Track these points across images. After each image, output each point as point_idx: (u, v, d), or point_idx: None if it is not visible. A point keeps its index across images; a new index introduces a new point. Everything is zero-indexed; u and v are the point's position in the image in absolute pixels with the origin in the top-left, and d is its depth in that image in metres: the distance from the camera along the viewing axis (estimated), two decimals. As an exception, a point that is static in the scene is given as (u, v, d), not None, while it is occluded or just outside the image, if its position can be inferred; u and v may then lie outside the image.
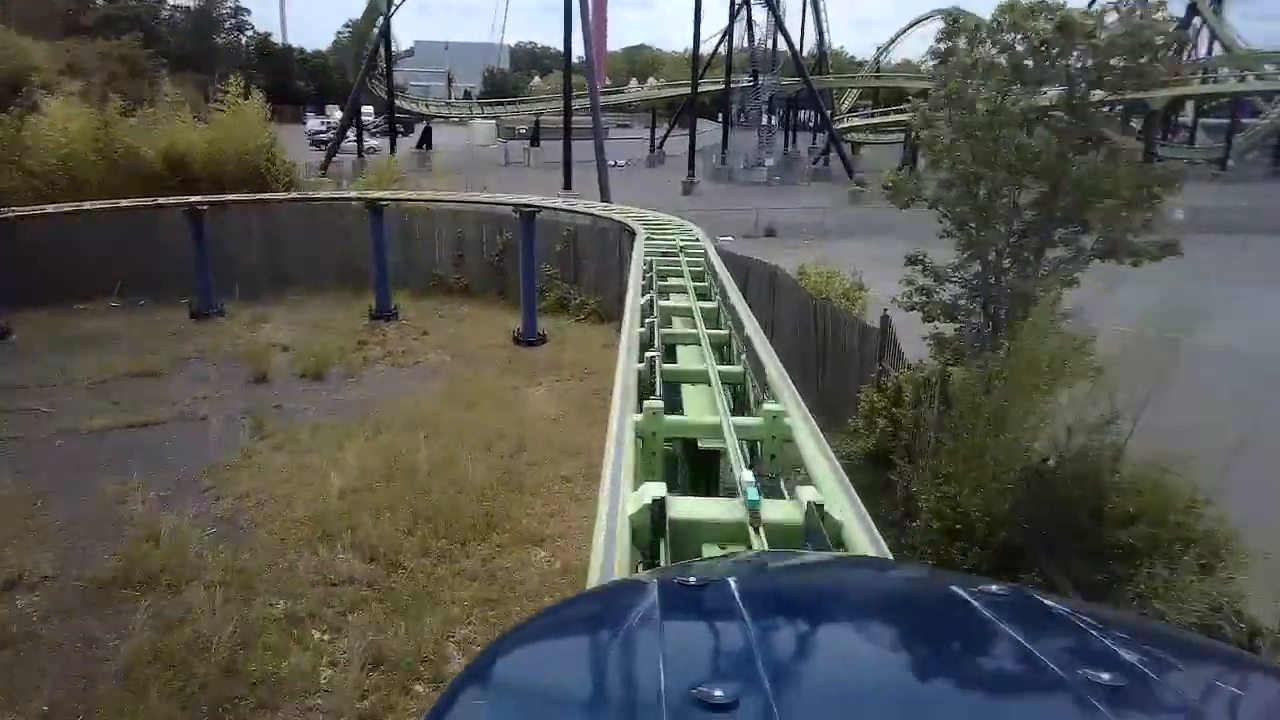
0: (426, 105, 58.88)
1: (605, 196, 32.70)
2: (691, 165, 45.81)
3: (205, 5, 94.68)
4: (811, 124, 65.04)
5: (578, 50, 36.51)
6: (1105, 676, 0.80)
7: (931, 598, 1.11)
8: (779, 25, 48.84)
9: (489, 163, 61.07)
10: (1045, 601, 1.02)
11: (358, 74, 47.80)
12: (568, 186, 37.48)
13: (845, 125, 56.44)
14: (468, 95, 78.83)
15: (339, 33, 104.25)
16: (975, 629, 0.96)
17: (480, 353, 15.99)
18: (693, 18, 47.14)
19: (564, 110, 37.01)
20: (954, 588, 1.04)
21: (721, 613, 0.99)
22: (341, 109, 78.82)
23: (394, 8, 44.87)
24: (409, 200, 17.33)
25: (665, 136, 65.23)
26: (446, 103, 63.56)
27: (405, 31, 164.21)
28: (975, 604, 0.98)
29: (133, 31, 74.26)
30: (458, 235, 19.90)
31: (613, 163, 55.95)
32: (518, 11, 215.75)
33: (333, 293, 19.42)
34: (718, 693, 0.78)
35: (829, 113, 61.43)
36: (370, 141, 66.07)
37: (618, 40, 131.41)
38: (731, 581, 1.06)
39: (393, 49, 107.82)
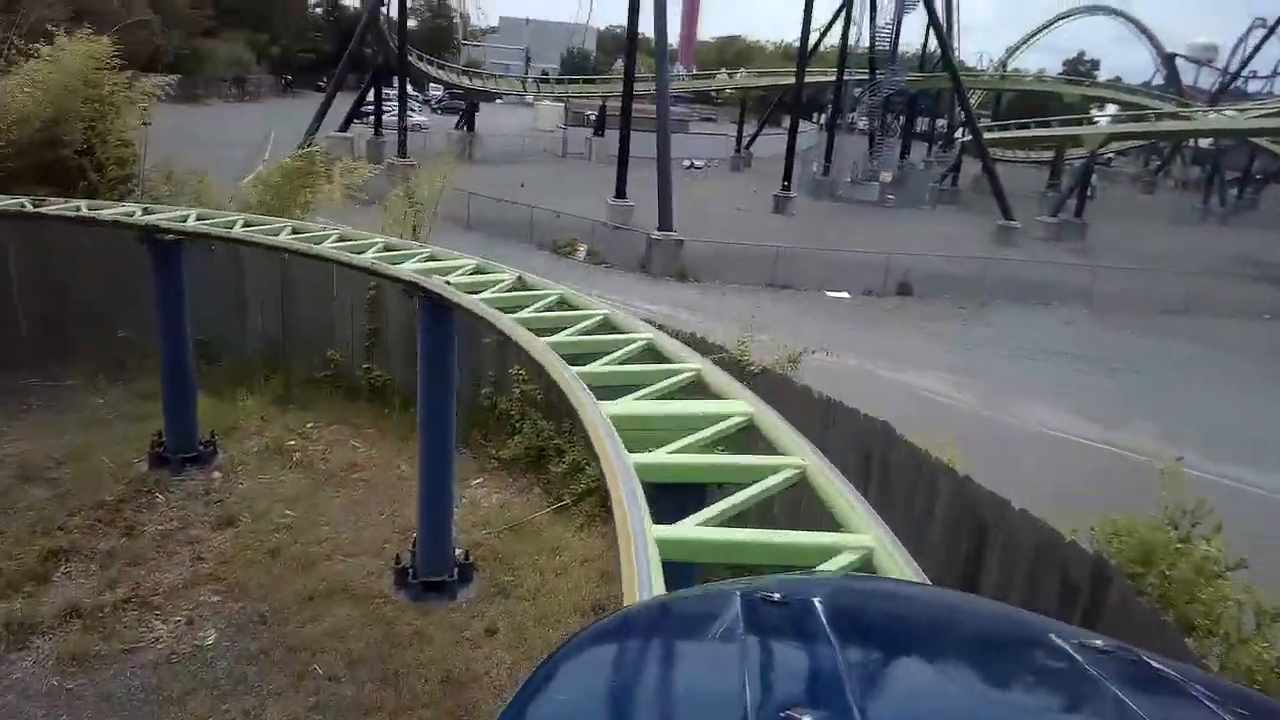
0: (472, 79, 49.98)
1: (664, 215, 23.18)
2: (788, 175, 35.94)
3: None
4: (931, 132, 54.18)
5: (662, 35, 26.90)
6: None
7: (1028, 643, 1.02)
8: (929, 7, 38.24)
9: (544, 152, 52.18)
10: (1153, 663, 0.93)
11: (379, 31, 38.87)
12: (620, 194, 28.08)
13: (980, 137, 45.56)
14: (544, 76, 70.24)
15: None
16: (1074, 682, 0.89)
17: (324, 618, 6.89)
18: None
19: (624, 94, 27.53)
20: (1053, 635, 0.97)
21: (807, 633, 0.95)
22: (413, 84, 71.82)
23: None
24: (211, 233, 8.13)
25: (755, 136, 55.32)
26: (494, 77, 54.58)
27: (493, 5, 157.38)
28: (1076, 656, 0.91)
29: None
30: (369, 298, 10.81)
31: (688, 163, 46.51)
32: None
33: (132, 377, 10.64)
34: (807, 718, 0.74)
35: (954, 120, 50.87)
36: (416, 118, 58.00)
37: (710, 30, 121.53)
38: (817, 602, 1.01)
39: (476, 23, 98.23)
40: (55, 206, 8.79)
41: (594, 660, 0.98)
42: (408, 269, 6.63)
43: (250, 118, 48.32)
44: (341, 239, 7.76)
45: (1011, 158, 53.72)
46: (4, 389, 10.34)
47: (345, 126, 39.52)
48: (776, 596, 1.02)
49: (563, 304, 5.64)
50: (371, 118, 41.55)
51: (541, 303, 5.53)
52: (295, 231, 8.13)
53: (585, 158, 49.78)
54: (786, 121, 62.87)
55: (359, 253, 7.14)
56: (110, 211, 8.54)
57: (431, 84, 60.70)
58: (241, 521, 8.12)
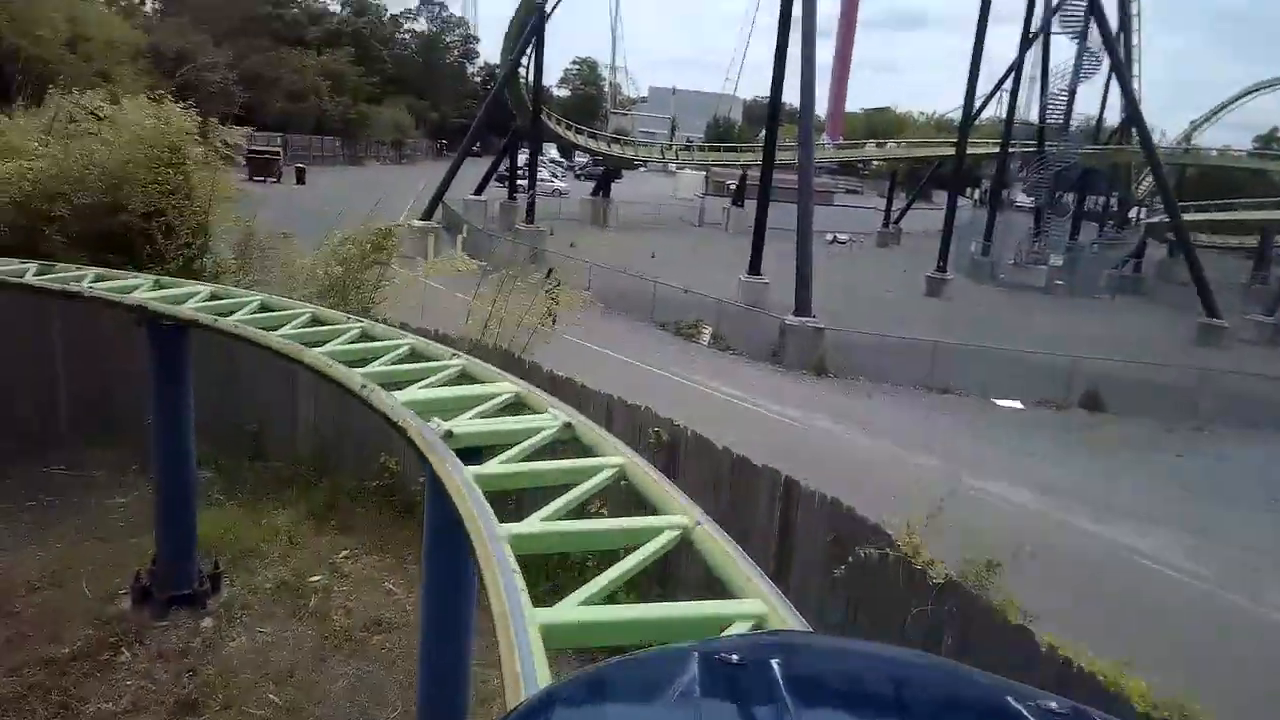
0: (610, 145, 49.41)
1: (803, 298, 20.60)
2: (944, 254, 32.60)
3: (437, 30, 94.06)
4: (1103, 212, 49.12)
5: (810, 105, 24.75)
6: None
7: (983, 708, 1.01)
8: (1116, 67, 34.37)
9: (680, 221, 50.80)
10: None
11: (519, 95, 38.66)
12: (754, 270, 25.73)
13: (1164, 219, 40.48)
14: (688, 144, 69.81)
15: (566, 69, 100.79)
16: None
17: None
18: (971, 48, 34.00)
19: (763, 161, 25.41)
20: (1009, 698, 0.97)
21: (763, 695, 0.94)
22: (559, 149, 73.07)
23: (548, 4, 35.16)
24: (198, 320, 6.35)
25: (905, 210, 52.00)
26: (633, 143, 53.94)
27: (644, 75, 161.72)
28: (1031, 718, 0.91)
29: (346, 48, 73.21)
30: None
31: (831, 237, 43.72)
32: (759, 68, 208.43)
33: (139, 480, 9.03)
34: None
35: (1129, 199, 45.92)
36: (556, 183, 58.32)
37: (858, 102, 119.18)
38: (774, 663, 1.01)
39: (626, 92, 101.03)
40: (57, 275, 7.28)
41: None
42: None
43: (394, 179, 49.59)
44: (365, 336, 5.75)
45: (1199, 242, 47.96)
46: (22, 477, 8.95)
47: (481, 189, 39.44)
48: (734, 658, 1.03)
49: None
50: (509, 181, 41.38)
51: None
52: (316, 320, 6.18)
53: (722, 228, 48.00)
54: (939, 196, 59.46)
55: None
56: (107, 285, 6.91)
57: (576, 150, 61.14)
58: (206, 709, 6.05)
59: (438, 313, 11.09)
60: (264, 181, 44.80)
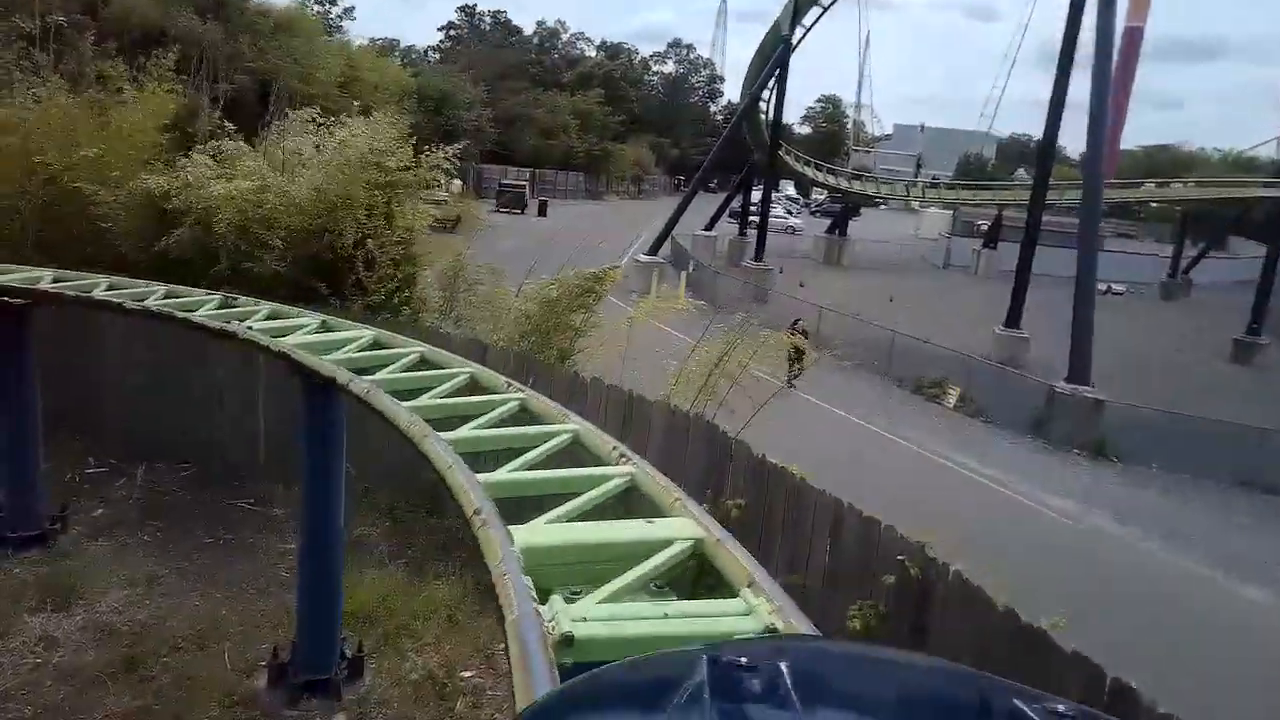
0: (850, 182, 46.77)
1: (1080, 360, 17.26)
2: (1257, 313, 26.92)
3: (684, 72, 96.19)
4: None
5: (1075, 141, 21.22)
6: None
7: (991, 711, 1.02)
8: None
9: (922, 262, 46.96)
10: None
11: (758, 130, 37.33)
12: (1013, 322, 22.36)
13: None
14: (933, 181, 65.62)
15: (809, 108, 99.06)
16: None
17: None
18: None
19: (1032, 200, 22.09)
20: (1018, 701, 0.96)
21: (773, 699, 0.94)
22: (796, 186, 71.54)
23: (794, 35, 33.33)
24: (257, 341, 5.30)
25: (1197, 259, 44.68)
26: (875, 180, 50.81)
27: (889, 113, 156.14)
28: None
29: (597, 89, 76.34)
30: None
31: (1105, 287, 38.09)
32: (1016, 105, 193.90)
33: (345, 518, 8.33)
34: None
35: None
36: (791, 220, 56.53)
37: (1133, 139, 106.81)
38: (783, 666, 1.00)
39: (870, 130, 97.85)
40: (231, 311, 6.69)
41: None
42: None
43: (630, 213, 50.25)
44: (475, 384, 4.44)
45: None
46: (212, 508, 8.64)
47: (712, 224, 38.57)
48: (743, 660, 1.02)
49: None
50: (740, 217, 40.22)
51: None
52: (475, 383, 4.94)
53: (970, 271, 43.73)
54: (1236, 243, 50.64)
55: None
56: (266, 326, 6.15)
57: (814, 186, 59.08)
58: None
59: (645, 360, 9.74)
60: (510, 213, 47.15)
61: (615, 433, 7.61)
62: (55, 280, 7.35)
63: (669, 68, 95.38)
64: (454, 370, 4.90)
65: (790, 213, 61.09)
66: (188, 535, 8.10)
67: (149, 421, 9.46)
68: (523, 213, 48.35)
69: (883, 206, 61.62)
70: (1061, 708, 0.93)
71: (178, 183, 9.66)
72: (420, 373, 5.11)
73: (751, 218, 38.56)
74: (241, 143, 10.57)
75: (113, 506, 8.48)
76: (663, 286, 27.78)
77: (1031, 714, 0.92)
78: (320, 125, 10.42)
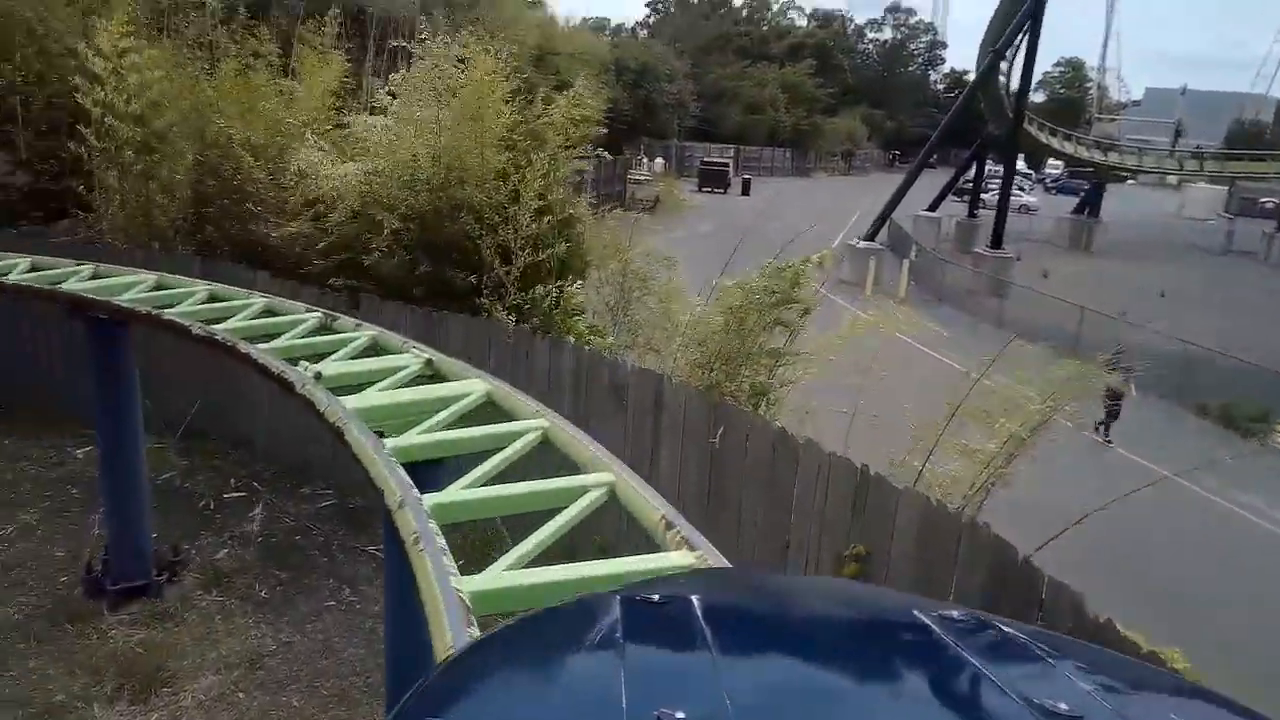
0: (1106, 153, 40.38)
1: None
2: None
3: (902, 38, 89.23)
4: None
5: None
6: (1063, 706, 0.79)
7: (891, 621, 1.10)
8: None
9: (1190, 248, 39.76)
10: (1005, 628, 1.02)
11: (994, 98, 32.57)
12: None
13: None
14: (1198, 153, 56.37)
15: (1046, 73, 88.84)
16: (934, 654, 0.95)
17: None
18: None
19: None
20: (915, 611, 1.04)
21: (684, 631, 0.98)
22: (1025, 160, 63.83)
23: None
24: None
25: None
26: (1135, 152, 43.65)
27: (1138, 77, 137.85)
28: (935, 628, 0.98)
29: (807, 60, 72.06)
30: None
31: None
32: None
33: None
34: (679, 714, 0.76)
35: None
36: (1025, 198, 50.34)
37: None
38: (695, 599, 1.05)
39: (1114, 96, 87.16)
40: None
41: (468, 682, 0.98)
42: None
43: (838, 191, 46.63)
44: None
45: None
46: (330, 555, 7.32)
47: (935, 205, 34.45)
48: (655, 598, 1.05)
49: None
50: (970, 196, 35.71)
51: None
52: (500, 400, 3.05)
53: (1258, 258, 36.48)
54: None
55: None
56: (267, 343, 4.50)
57: (1050, 160, 52.37)
58: None
59: (876, 394, 7.30)
60: (711, 192, 45.14)
61: (843, 529, 5.12)
62: (156, 286, 6.14)
63: (885, 34, 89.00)
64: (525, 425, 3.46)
65: (1021, 189, 54.61)
66: (309, 594, 6.75)
67: (296, 441, 8.32)
68: (725, 192, 46.19)
69: (1130, 182, 53.50)
70: (955, 613, 1.01)
71: (299, 168, 8.38)
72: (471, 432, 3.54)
73: (985, 195, 34.08)
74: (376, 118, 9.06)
75: (239, 545, 7.32)
76: (882, 277, 24.72)
77: (929, 622, 0.98)
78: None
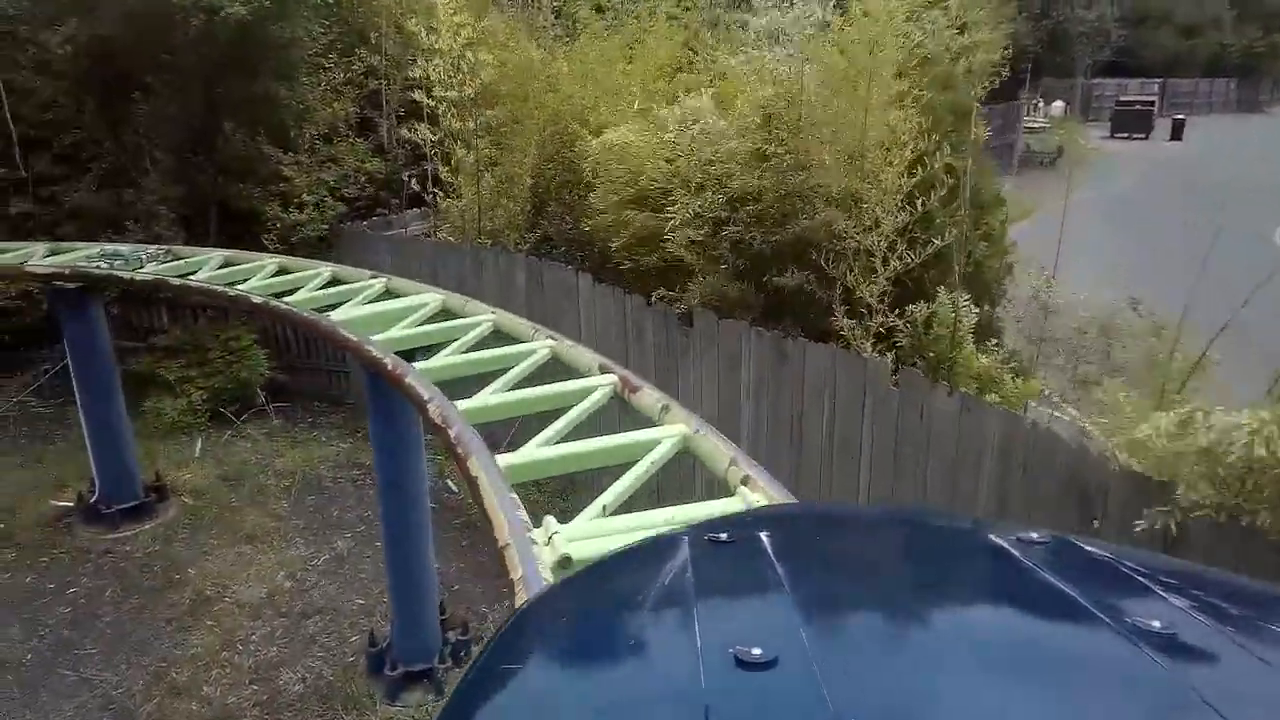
0: None
1: None
2: None
3: None
4: None
5: None
6: (1156, 624, 0.76)
7: (969, 548, 1.07)
8: None
9: None
10: (1087, 548, 0.98)
11: None
12: None
13: None
14: None
15: None
16: (1018, 579, 0.92)
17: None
18: None
19: None
20: (993, 536, 1.01)
21: (754, 569, 0.97)
22: None
23: None
24: None
25: None
26: None
27: None
28: (1016, 553, 0.95)
29: None
30: None
31: None
32: None
33: None
34: (755, 651, 0.75)
35: None
36: None
37: None
38: (763, 536, 1.03)
39: None
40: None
41: (546, 624, 1.00)
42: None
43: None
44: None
45: None
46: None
47: None
48: (723, 536, 1.04)
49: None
50: None
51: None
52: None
53: None
54: None
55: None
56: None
57: None
58: None
59: None
60: (1128, 138, 37.24)
61: None
62: (384, 294, 4.87)
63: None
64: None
65: None
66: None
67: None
68: (1146, 137, 37.86)
69: None
70: (1035, 535, 0.97)
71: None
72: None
73: None
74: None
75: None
76: None
77: (1010, 547, 0.95)
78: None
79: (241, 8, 7.64)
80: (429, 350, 4.28)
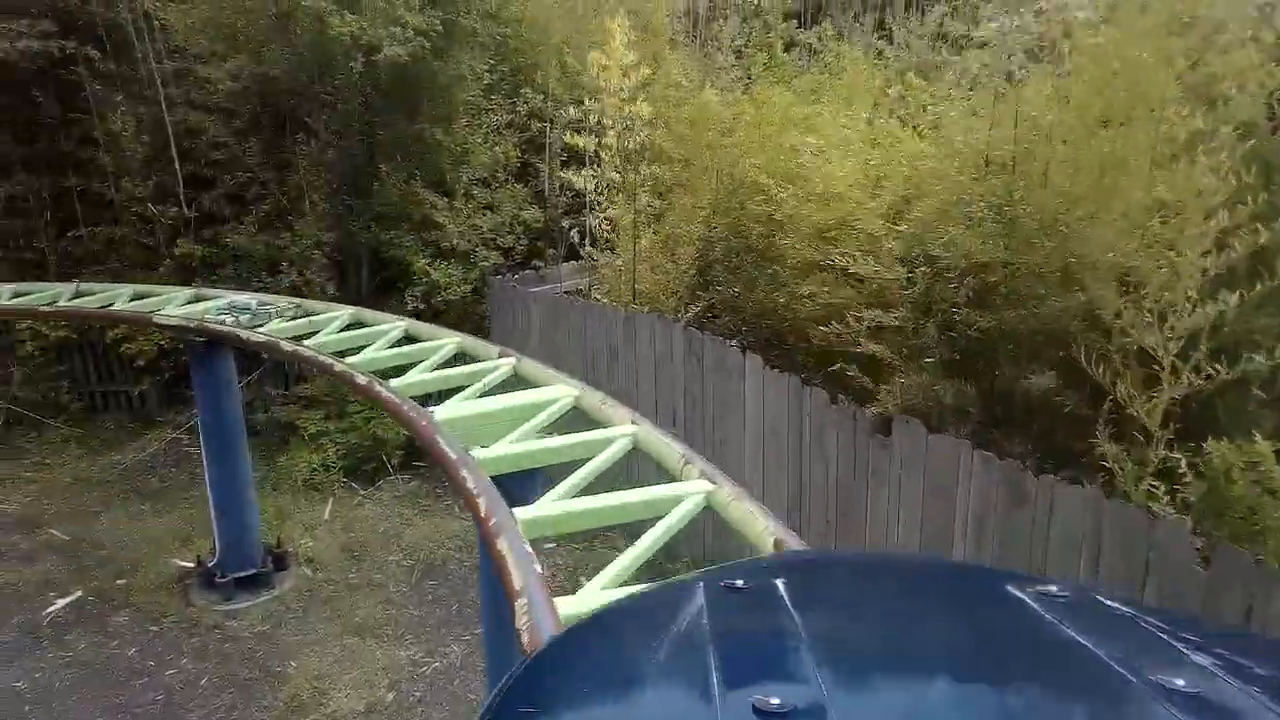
0: None
1: None
2: None
3: None
4: None
5: None
6: (1180, 682, 0.74)
7: (985, 598, 1.02)
8: None
9: None
10: (1107, 602, 0.95)
11: None
12: None
13: None
14: None
15: None
16: (1036, 632, 0.89)
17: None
18: None
19: None
20: (1009, 587, 0.97)
21: (771, 616, 0.95)
22: None
23: None
24: None
25: None
26: None
27: None
28: (1034, 605, 0.92)
29: None
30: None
31: None
32: None
33: None
34: (774, 700, 0.74)
35: None
36: None
37: None
38: (779, 584, 1.01)
39: None
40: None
41: (569, 659, 0.98)
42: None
43: None
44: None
45: None
46: None
47: None
48: (739, 583, 1.02)
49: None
50: None
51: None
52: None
53: None
54: None
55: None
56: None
57: None
58: None
59: None
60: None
61: None
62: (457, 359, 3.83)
63: None
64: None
65: None
66: None
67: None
68: None
69: None
70: (1054, 588, 0.94)
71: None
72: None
73: None
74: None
75: None
76: None
77: (1027, 599, 0.92)
78: None
79: (400, 48, 7.12)
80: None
